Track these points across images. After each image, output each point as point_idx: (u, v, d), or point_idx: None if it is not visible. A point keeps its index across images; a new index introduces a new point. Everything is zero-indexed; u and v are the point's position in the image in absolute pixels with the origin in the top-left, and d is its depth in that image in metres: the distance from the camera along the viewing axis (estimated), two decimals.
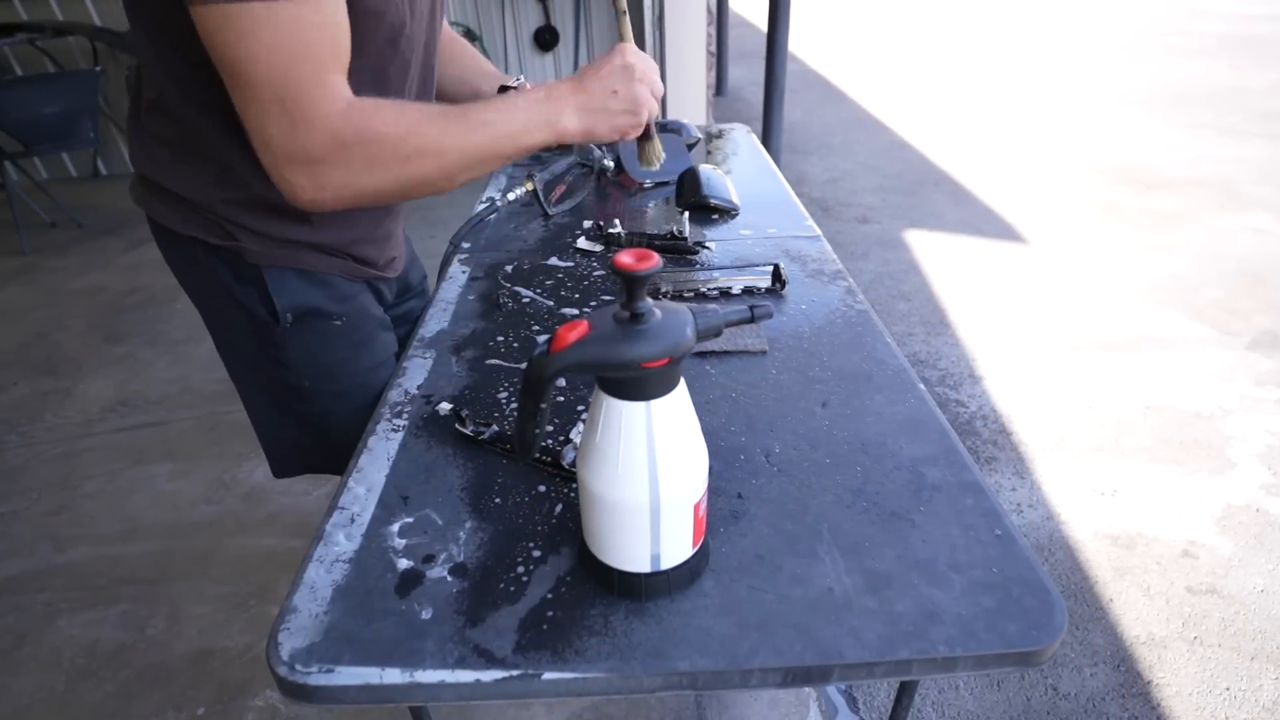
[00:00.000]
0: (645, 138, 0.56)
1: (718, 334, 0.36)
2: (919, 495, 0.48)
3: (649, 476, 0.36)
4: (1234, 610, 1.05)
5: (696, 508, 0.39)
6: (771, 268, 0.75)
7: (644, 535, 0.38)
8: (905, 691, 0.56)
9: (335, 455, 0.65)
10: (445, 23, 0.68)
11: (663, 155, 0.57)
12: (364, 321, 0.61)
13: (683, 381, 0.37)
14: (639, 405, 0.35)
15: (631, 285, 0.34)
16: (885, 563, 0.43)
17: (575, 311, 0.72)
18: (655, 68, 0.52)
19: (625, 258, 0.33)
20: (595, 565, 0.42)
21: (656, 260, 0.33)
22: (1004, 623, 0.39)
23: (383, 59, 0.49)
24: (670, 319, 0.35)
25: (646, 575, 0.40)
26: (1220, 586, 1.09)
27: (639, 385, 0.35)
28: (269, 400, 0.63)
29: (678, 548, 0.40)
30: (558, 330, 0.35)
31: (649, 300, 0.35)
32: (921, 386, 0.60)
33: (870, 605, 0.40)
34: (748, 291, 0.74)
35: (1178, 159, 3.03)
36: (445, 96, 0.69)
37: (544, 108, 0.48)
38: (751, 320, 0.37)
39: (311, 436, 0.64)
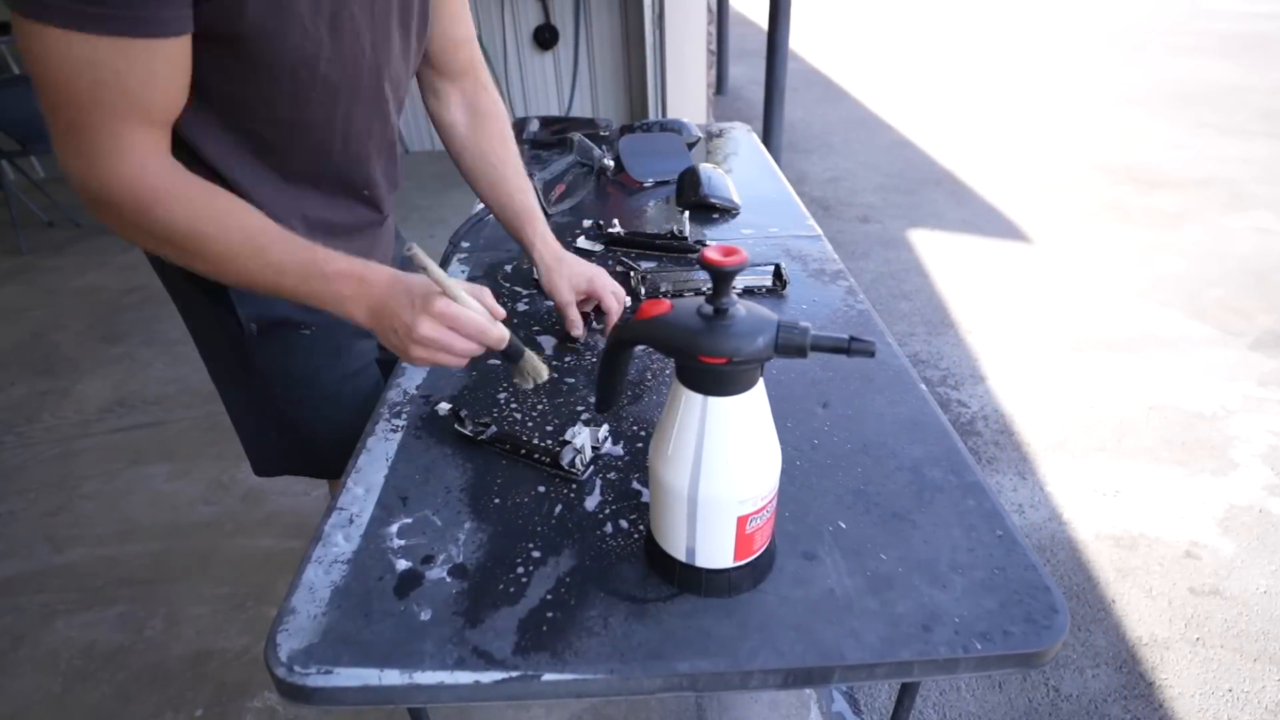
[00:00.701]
0: (509, 358, 0.48)
1: (803, 354, 0.35)
2: (920, 496, 0.48)
3: (692, 467, 0.37)
4: (1237, 612, 1.05)
5: (742, 522, 0.38)
6: (772, 268, 0.74)
7: (681, 523, 0.39)
8: (906, 693, 0.56)
9: (312, 460, 0.65)
10: (490, 100, 0.63)
11: (541, 373, 0.50)
12: (336, 331, 0.59)
13: (758, 395, 0.37)
14: (698, 396, 0.36)
15: (717, 280, 0.35)
16: (887, 564, 0.43)
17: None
18: (460, 334, 0.44)
19: (713, 253, 0.34)
20: (649, 538, 0.43)
21: (745, 256, 0.33)
22: (1006, 624, 0.39)
23: (284, 94, 0.45)
24: (749, 324, 0.35)
25: (682, 564, 0.40)
26: (1223, 588, 1.08)
27: (699, 377, 0.36)
28: (246, 404, 0.63)
29: (715, 551, 0.39)
30: (644, 303, 0.37)
31: (735, 298, 0.35)
32: (923, 387, 0.60)
33: (871, 606, 0.40)
34: (748, 292, 0.73)
35: (1181, 158, 3.02)
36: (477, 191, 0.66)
37: (345, 290, 0.44)
38: (847, 352, 0.35)
39: (288, 441, 0.63)
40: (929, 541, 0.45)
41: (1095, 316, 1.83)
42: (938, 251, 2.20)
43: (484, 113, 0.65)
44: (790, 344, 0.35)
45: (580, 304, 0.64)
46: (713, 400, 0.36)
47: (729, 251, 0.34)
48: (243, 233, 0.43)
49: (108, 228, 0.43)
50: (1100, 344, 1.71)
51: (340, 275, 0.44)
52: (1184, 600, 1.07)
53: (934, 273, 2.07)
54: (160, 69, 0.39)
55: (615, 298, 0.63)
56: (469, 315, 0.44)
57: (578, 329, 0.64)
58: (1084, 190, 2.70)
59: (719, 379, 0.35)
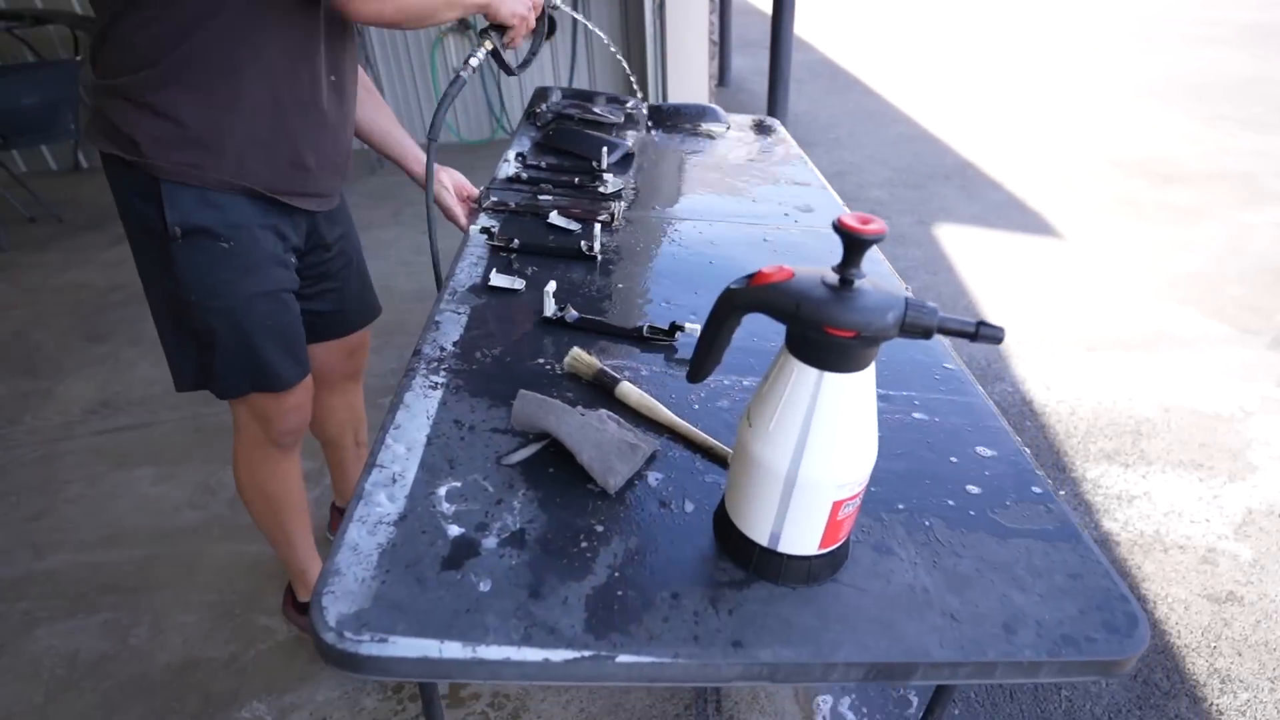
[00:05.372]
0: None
1: (928, 335, 0.33)
2: (988, 497, 0.47)
3: (795, 446, 0.35)
4: (1255, 619, 1.02)
5: (836, 508, 0.37)
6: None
7: (771, 505, 0.37)
8: (939, 702, 0.54)
9: (219, 374, 0.72)
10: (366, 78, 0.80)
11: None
12: (252, 249, 0.68)
13: (870, 375, 0.35)
14: (812, 371, 0.35)
15: (850, 248, 0.33)
16: (963, 562, 0.42)
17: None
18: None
19: (849, 219, 0.32)
20: (722, 519, 0.41)
21: (884, 228, 0.32)
22: (1088, 630, 0.38)
23: None
24: (877, 298, 0.33)
25: (762, 548, 0.39)
26: (1241, 594, 1.06)
27: (818, 350, 0.34)
28: (167, 314, 0.70)
29: (801, 538, 0.38)
30: (762, 268, 0.35)
31: (862, 270, 0.33)
32: (979, 387, 0.59)
33: (952, 604, 0.39)
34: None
35: (1197, 151, 2.97)
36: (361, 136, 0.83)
37: None
38: (974, 337, 0.33)
39: (202, 352, 0.71)
40: (1002, 543, 0.43)
41: (1110, 315, 1.79)
42: (947, 248, 2.16)
43: (368, 88, 0.82)
44: (918, 324, 0.33)
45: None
46: (829, 376, 0.34)
47: (866, 220, 0.32)
48: None
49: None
50: (1115, 343, 1.67)
51: None
52: (1201, 607, 1.04)
53: (943, 270, 2.03)
54: None
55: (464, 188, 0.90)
56: None
57: (462, 221, 0.87)
58: (1098, 185, 2.65)
59: (840, 353, 0.34)
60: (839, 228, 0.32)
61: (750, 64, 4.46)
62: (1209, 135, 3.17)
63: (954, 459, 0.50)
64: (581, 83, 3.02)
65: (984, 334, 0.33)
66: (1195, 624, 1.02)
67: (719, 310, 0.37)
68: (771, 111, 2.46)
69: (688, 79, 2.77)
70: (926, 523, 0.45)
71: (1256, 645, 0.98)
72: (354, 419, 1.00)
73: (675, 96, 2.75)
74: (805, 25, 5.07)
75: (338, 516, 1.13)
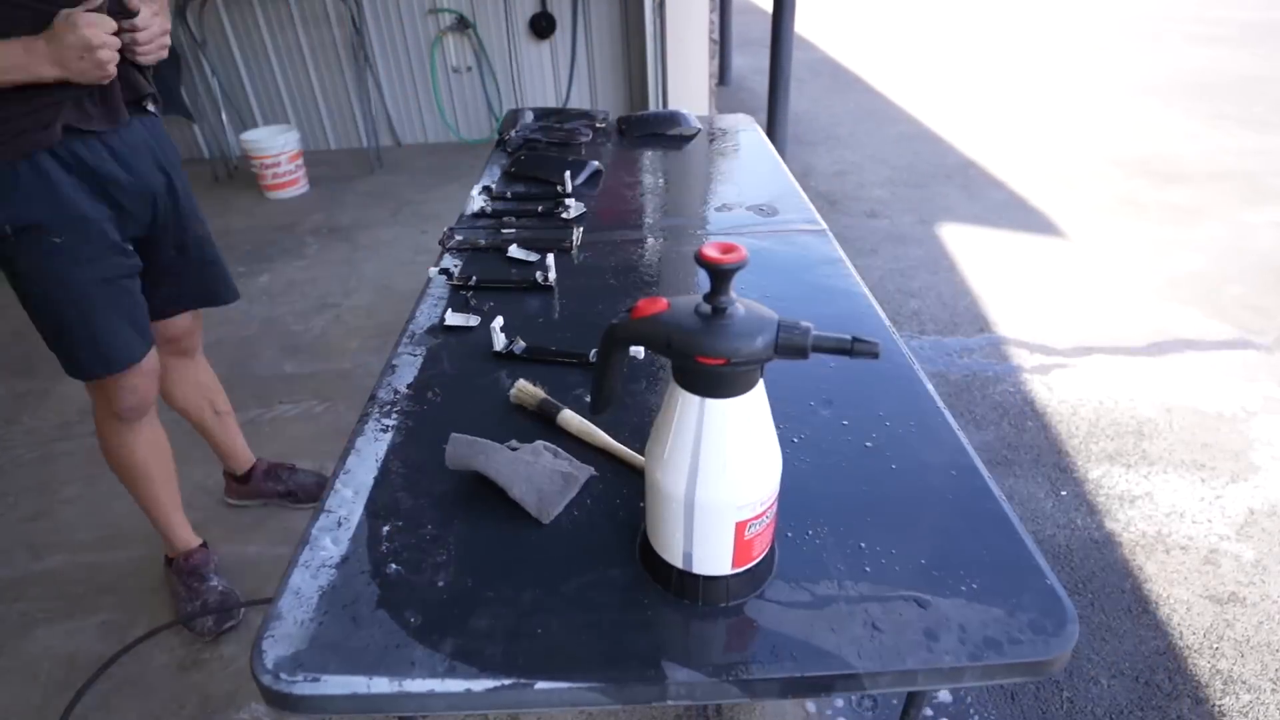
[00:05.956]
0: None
1: (804, 355, 0.33)
2: (926, 500, 0.47)
3: (689, 471, 0.36)
4: (1257, 620, 1.02)
5: (740, 528, 0.37)
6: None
7: (677, 528, 0.38)
8: (913, 703, 0.54)
9: (73, 360, 0.76)
10: None
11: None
12: (85, 244, 0.70)
13: (757, 397, 0.35)
14: (695, 398, 0.35)
15: (714, 278, 0.33)
16: (891, 570, 0.42)
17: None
18: (110, 24, 0.61)
19: (710, 250, 0.32)
20: (645, 543, 0.42)
21: (744, 254, 0.32)
22: (1014, 632, 0.38)
23: None
24: (749, 324, 0.33)
25: (678, 570, 0.39)
26: (1243, 595, 1.05)
27: (696, 378, 0.35)
28: (30, 307, 0.74)
29: (712, 558, 0.38)
30: (640, 301, 0.35)
31: (734, 297, 0.34)
32: (930, 386, 0.58)
33: (875, 613, 0.39)
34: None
35: (1198, 150, 2.96)
36: None
37: (25, 59, 0.59)
38: (850, 353, 0.34)
39: (58, 339, 0.75)
40: (936, 547, 0.43)
41: (1111, 315, 1.78)
42: (948, 247, 2.15)
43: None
44: (790, 345, 0.33)
45: None
46: (711, 402, 0.34)
47: (727, 249, 0.32)
48: None
49: None
50: (1117, 343, 1.67)
51: (10, 49, 0.58)
52: (1203, 608, 1.04)
53: (944, 269, 2.02)
54: None
55: None
56: (103, 17, 0.61)
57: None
58: (1099, 184, 2.64)
59: (717, 380, 0.34)
60: (700, 260, 0.32)
61: (751, 63, 4.45)
62: (1210, 134, 3.17)
63: (894, 462, 0.49)
64: (581, 94, 3.01)
65: (859, 349, 0.33)
66: (1197, 625, 1.01)
67: (604, 346, 0.38)
68: (772, 111, 2.46)
69: (688, 78, 2.76)
70: (858, 532, 0.44)
71: (1259, 646, 0.98)
72: (204, 391, 1.06)
73: (675, 96, 2.75)
74: (806, 24, 5.07)
75: (231, 481, 1.18)
